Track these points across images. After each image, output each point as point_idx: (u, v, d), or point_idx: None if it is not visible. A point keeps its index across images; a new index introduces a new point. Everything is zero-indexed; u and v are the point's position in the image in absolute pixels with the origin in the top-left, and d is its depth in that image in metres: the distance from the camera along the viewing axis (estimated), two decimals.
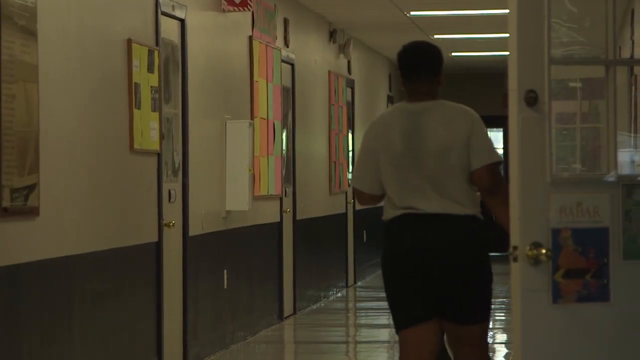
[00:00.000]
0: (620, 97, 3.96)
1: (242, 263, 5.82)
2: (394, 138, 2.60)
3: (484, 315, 2.63)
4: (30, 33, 3.15)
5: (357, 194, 2.86)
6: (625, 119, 5.89)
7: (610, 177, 1.83)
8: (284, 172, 6.75)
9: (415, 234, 2.55)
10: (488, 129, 2.89)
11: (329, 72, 8.36)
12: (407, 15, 8.05)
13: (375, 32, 9.42)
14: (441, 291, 2.54)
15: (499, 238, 2.40)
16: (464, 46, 10.50)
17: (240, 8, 5.44)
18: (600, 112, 1.98)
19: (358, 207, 9.44)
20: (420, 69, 2.68)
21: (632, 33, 6.45)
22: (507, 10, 1.81)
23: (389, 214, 2.63)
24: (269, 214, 6.47)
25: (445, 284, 2.53)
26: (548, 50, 1.75)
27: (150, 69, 4.29)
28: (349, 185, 9.12)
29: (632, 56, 6.49)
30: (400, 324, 2.62)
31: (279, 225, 6.71)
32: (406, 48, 2.75)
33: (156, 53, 4.36)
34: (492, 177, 2.60)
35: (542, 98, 1.73)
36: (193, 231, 4.90)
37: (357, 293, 9.09)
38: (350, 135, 9.38)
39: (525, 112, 1.73)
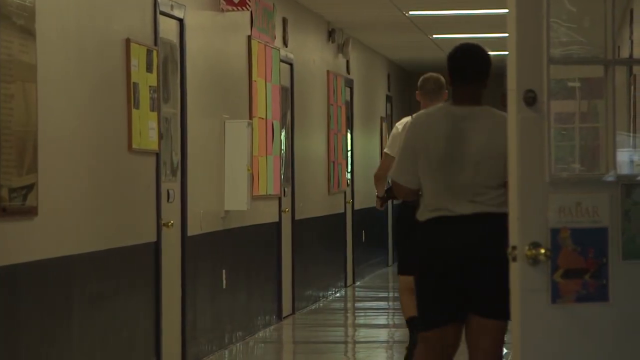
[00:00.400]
0: (619, 97, 3.95)
1: (240, 263, 5.83)
2: (436, 142, 2.62)
3: (508, 313, 2.64)
4: (28, 33, 3.15)
5: (395, 186, 2.92)
6: (624, 119, 5.90)
7: (610, 177, 1.84)
8: (282, 171, 6.76)
9: (452, 233, 2.60)
10: None
11: (328, 71, 8.38)
12: (406, 14, 8.07)
13: (374, 31, 9.44)
14: (474, 284, 2.57)
15: None
16: None
17: (239, 8, 5.45)
18: (599, 111, 1.98)
19: (357, 206, 9.46)
20: (470, 72, 2.68)
21: (631, 33, 6.46)
22: (506, 10, 1.81)
23: (424, 215, 2.67)
24: (267, 213, 6.48)
25: (479, 275, 2.55)
26: (547, 50, 1.75)
27: (148, 69, 4.30)
28: (347, 185, 9.14)
29: (631, 56, 6.50)
30: (428, 324, 2.67)
31: (277, 225, 6.73)
32: (457, 50, 2.74)
33: (154, 53, 4.37)
34: None
35: (540, 98, 1.74)
36: (191, 231, 4.91)
37: (356, 293, 9.12)
38: (349, 135, 9.39)
39: (524, 112, 1.74)
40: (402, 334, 5.71)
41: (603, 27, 1.87)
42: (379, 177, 4.87)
